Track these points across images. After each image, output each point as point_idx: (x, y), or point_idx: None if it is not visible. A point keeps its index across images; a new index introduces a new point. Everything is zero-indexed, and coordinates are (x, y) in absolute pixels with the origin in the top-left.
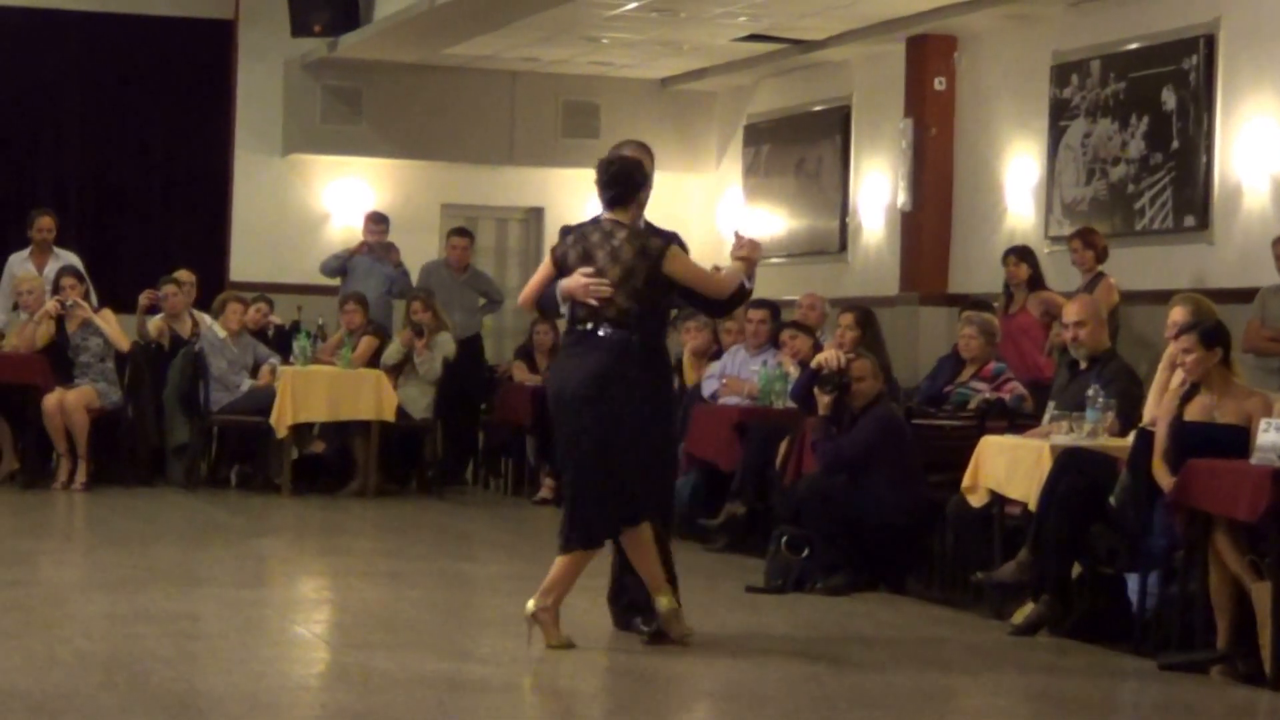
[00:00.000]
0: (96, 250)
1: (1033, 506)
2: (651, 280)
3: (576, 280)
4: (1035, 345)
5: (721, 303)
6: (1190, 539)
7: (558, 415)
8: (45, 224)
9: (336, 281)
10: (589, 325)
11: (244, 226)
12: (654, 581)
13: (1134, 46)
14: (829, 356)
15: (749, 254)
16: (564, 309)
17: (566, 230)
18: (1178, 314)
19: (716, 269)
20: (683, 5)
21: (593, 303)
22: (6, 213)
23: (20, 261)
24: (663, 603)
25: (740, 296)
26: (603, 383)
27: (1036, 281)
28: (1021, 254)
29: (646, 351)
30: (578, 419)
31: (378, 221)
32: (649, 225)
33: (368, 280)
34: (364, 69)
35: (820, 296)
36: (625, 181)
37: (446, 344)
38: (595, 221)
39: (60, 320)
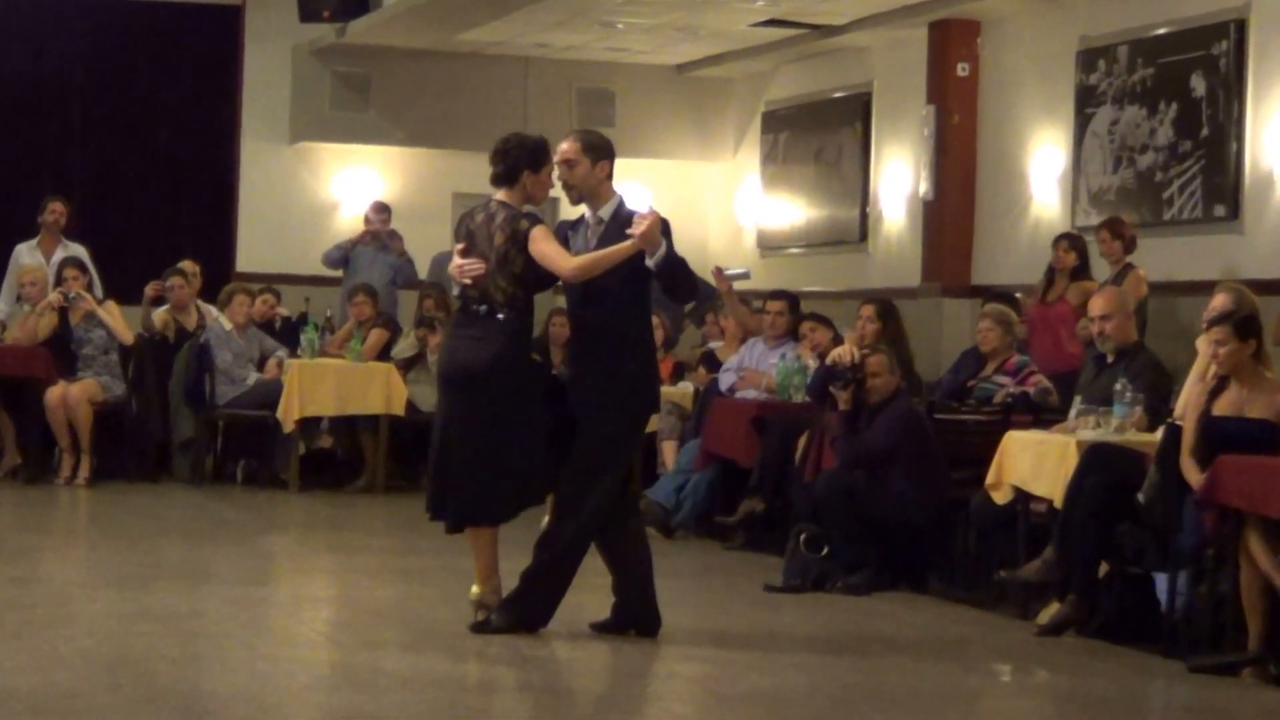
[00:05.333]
0: (101, 240)
1: (1058, 503)
2: (530, 263)
3: (453, 262)
4: (1072, 335)
5: (678, 289)
6: (1220, 537)
7: (445, 393)
8: (57, 207)
9: (339, 272)
10: (481, 307)
11: (251, 216)
12: (482, 572)
13: (1163, 31)
14: (842, 352)
15: (635, 229)
16: (454, 290)
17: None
18: (1220, 301)
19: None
20: None
21: (466, 282)
22: (12, 203)
23: (29, 250)
24: (473, 590)
25: (666, 276)
26: (493, 367)
27: (1080, 272)
28: (1073, 241)
29: (533, 337)
30: (467, 400)
31: (380, 210)
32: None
33: (371, 270)
34: (374, 55)
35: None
36: (504, 160)
37: None
38: (485, 202)
39: (63, 312)
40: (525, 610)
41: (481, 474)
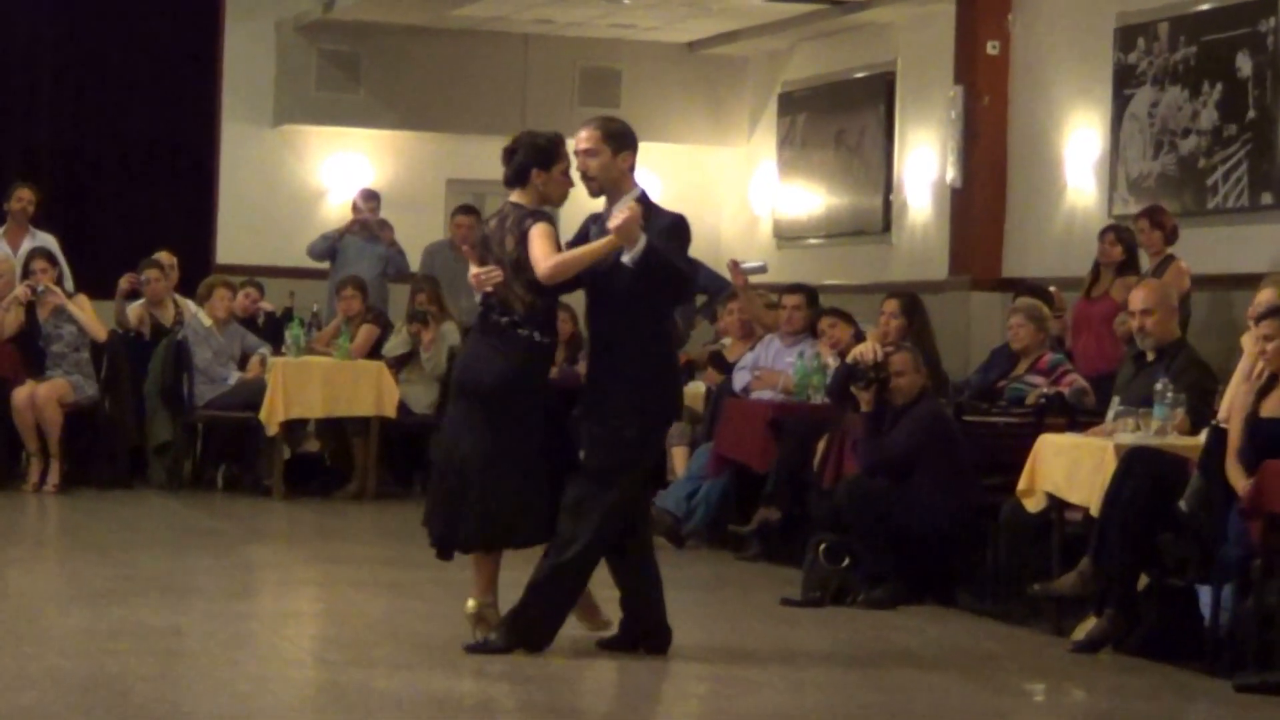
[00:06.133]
0: (71, 230)
1: (1095, 512)
2: None
3: (471, 270)
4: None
5: (665, 289)
6: (1268, 547)
7: (457, 400)
8: (25, 195)
9: (326, 265)
10: (503, 319)
11: (232, 204)
12: (481, 585)
13: (1205, 7)
14: (864, 350)
15: (611, 222)
16: (476, 297)
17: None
18: (1265, 296)
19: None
20: None
21: (488, 289)
22: None
23: None
24: (469, 604)
25: (647, 270)
26: (506, 385)
27: (1127, 266)
28: (1119, 233)
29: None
30: (482, 413)
31: (369, 198)
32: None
33: (360, 262)
34: (363, 31)
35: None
36: (511, 160)
37: (451, 334)
38: (501, 206)
39: (31, 307)
40: (527, 627)
41: (491, 492)
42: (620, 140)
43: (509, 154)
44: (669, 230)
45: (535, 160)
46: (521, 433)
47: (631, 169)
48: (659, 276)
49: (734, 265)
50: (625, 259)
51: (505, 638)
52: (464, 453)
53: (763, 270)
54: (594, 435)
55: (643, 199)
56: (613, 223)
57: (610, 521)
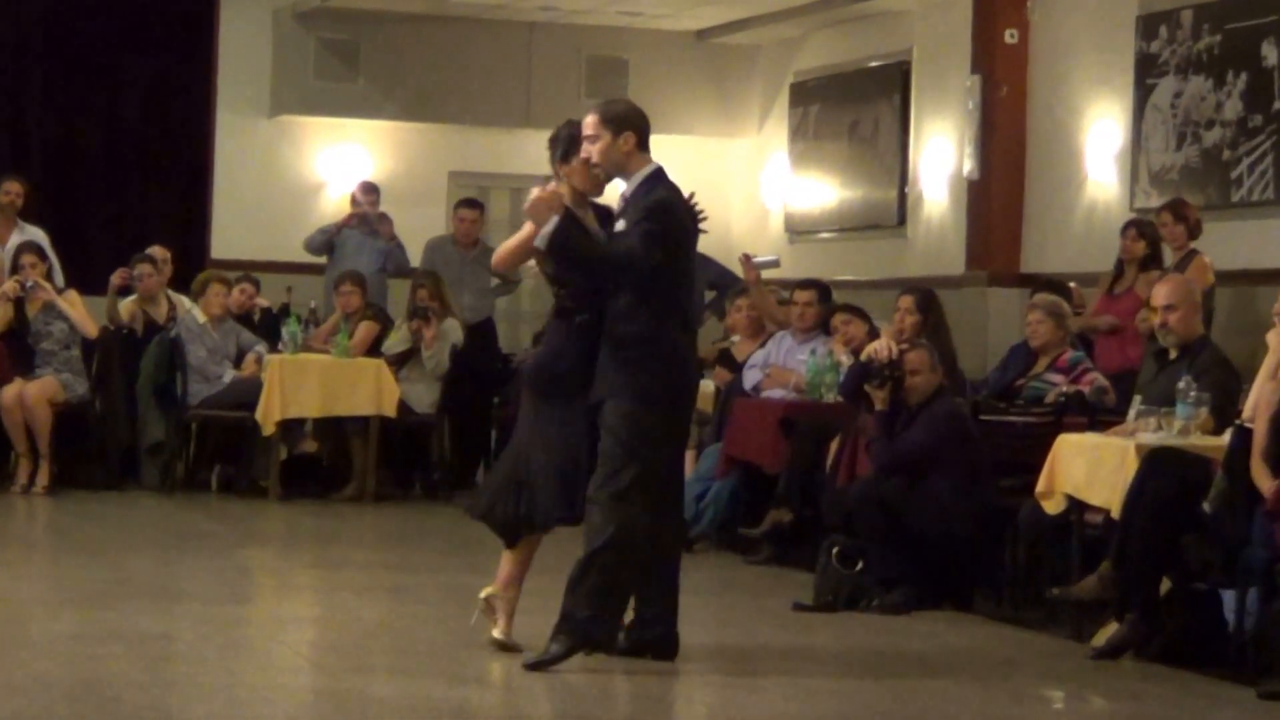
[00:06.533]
0: (62, 224)
1: (1116, 514)
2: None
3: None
4: (1139, 331)
5: (590, 275)
6: None
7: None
8: (13, 188)
9: (324, 259)
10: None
11: (227, 197)
12: (505, 579)
13: None
14: (878, 347)
15: (525, 206)
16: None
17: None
18: None
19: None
20: None
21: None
22: None
23: None
24: (486, 590)
25: (553, 255)
26: (565, 370)
27: (1151, 261)
28: (1142, 228)
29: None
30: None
31: (368, 191)
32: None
33: (358, 257)
34: (363, 19)
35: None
36: (551, 152)
37: (454, 332)
38: None
39: (20, 303)
40: (583, 625)
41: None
42: (620, 122)
43: (550, 144)
44: (648, 210)
45: (556, 154)
46: (562, 412)
47: (638, 148)
48: (570, 259)
49: (746, 259)
50: (536, 242)
51: (563, 643)
52: (521, 436)
53: (775, 264)
54: (603, 420)
55: (652, 178)
56: (525, 205)
57: (630, 504)
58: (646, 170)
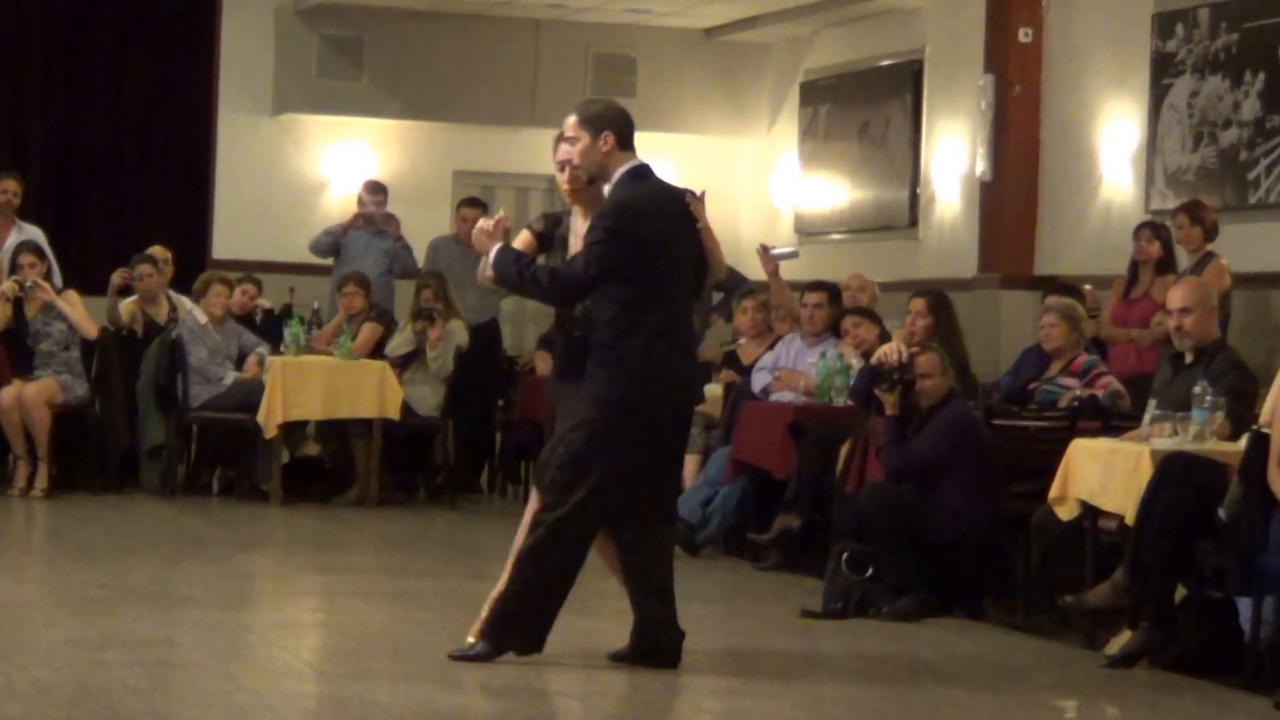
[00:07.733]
0: (61, 223)
1: (1130, 520)
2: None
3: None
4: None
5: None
6: None
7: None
8: (10, 186)
9: (329, 261)
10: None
11: (229, 197)
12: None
13: None
14: (889, 350)
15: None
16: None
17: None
18: None
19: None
20: None
21: None
22: None
23: None
24: None
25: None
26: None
27: (1165, 264)
28: (1156, 230)
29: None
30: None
31: (374, 191)
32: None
33: (364, 258)
34: (366, 16)
35: (868, 279)
36: None
37: (459, 333)
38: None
39: (18, 303)
40: (511, 626)
41: None
42: (597, 122)
43: (555, 143)
44: (598, 217)
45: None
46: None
47: (617, 148)
48: (509, 286)
49: (763, 250)
50: (477, 272)
51: (486, 645)
52: None
53: (794, 255)
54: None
55: (626, 176)
56: (472, 234)
57: (566, 533)
58: (624, 168)
